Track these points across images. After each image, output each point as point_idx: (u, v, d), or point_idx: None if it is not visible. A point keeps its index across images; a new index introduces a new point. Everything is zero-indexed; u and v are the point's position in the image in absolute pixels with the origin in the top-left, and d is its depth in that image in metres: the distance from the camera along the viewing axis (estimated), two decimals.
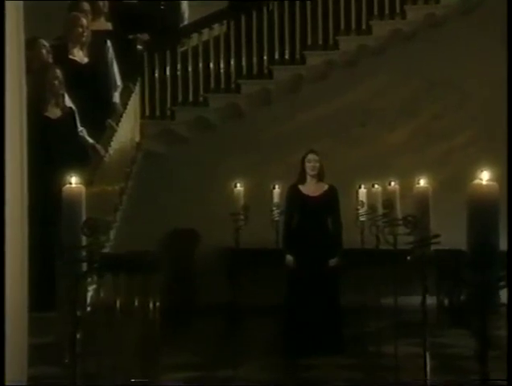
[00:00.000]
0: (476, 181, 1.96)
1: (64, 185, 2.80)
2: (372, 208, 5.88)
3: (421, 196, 3.16)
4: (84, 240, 2.73)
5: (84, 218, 2.74)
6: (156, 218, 7.16)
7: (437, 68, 7.46)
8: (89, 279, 3.24)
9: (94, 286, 3.71)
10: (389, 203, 4.67)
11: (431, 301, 3.34)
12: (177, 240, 7.35)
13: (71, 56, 5.93)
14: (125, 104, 6.35)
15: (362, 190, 6.40)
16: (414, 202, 3.18)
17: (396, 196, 4.83)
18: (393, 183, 5.01)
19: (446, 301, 6.16)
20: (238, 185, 5.69)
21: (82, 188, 2.79)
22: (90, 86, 5.82)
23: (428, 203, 3.15)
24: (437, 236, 3.10)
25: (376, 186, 6.02)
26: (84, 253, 2.71)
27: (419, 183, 3.16)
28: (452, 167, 7.14)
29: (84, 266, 2.74)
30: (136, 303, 4.10)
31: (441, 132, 7.51)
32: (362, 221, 6.32)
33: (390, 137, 7.55)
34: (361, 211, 6.32)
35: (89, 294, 3.50)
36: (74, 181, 2.78)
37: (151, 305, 4.14)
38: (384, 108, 7.57)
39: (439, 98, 7.57)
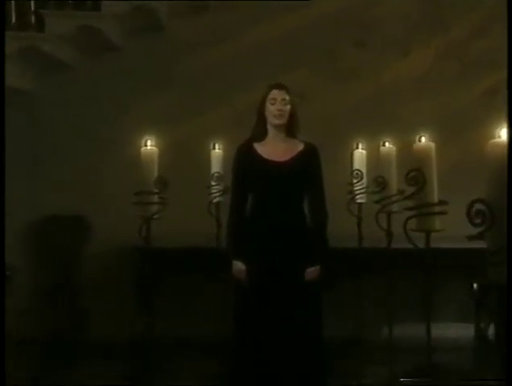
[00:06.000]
0: None
1: None
2: (378, 183, 5.79)
3: (498, 162, 2.90)
4: None
5: None
6: (17, 198, 7.05)
7: None
8: None
9: None
10: (418, 174, 4.46)
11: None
12: (52, 234, 7.36)
13: None
14: None
15: (360, 153, 6.40)
16: (491, 175, 2.92)
17: (431, 163, 4.61)
18: (423, 139, 4.78)
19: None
20: (150, 143, 5.76)
21: None
22: None
23: None
24: None
25: (387, 144, 5.92)
26: None
27: (499, 136, 2.97)
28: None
29: None
30: None
31: (488, 56, 7.36)
32: (360, 204, 6.40)
33: (405, 64, 7.48)
34: (358, 186, 6.35)
35: None
36: None
37: None
38: (394, 17, 7.48)
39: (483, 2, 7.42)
